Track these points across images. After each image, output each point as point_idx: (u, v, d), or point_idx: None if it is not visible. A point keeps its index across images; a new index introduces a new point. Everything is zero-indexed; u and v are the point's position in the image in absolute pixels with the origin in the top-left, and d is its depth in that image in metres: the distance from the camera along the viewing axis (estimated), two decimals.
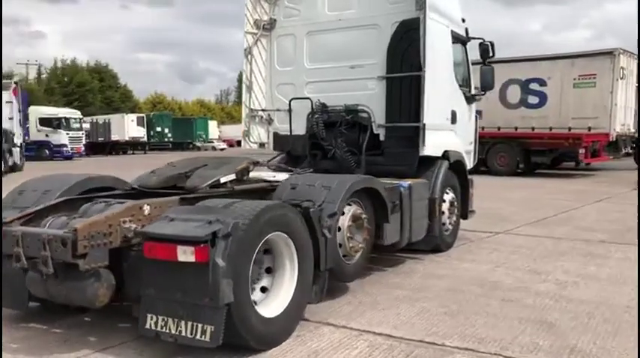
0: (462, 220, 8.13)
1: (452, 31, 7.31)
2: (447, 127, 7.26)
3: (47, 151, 35.87)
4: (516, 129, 20.75)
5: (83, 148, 38.72)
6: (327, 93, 7.20)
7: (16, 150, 23.01)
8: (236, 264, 3.61)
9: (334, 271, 4.95)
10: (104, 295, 3.78)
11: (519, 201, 13.08)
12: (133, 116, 51.86)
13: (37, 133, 35.82)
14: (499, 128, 20.69)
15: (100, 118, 48.81)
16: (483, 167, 20.39)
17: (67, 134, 36.74)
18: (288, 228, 4.14)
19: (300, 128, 7.36)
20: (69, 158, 36.28)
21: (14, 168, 21.84)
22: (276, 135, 7.74)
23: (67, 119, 37.46)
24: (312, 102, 7.18)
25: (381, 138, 6.96)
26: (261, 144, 7.89)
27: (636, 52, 19.86)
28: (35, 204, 4.40)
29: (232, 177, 4.86)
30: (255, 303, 4.05)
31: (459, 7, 7.76)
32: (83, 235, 3.61)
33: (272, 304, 4.15)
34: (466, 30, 7.89)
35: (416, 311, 4.84)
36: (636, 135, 21.85)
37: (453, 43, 7.45)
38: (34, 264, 3.76)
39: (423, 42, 6.42)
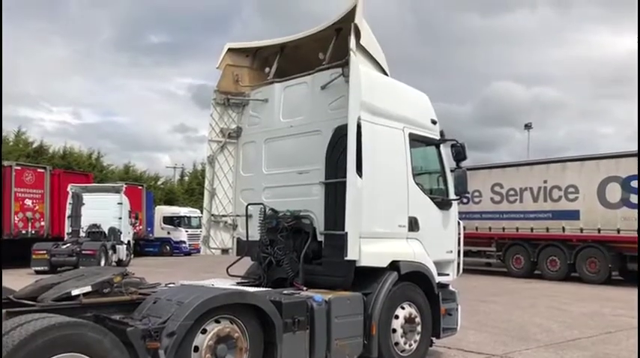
0: (453, 336, 7.39)
1: (411, 134, 6.92)
2: (401, 235, 6.69)
3: (168, 247, 38.45)
4: (619, 231, 18.67)
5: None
6: (280, 199, 7.05)
7: (122, 248, 24.98)
8: None
9: None
10: None
11: (578, 315, 11.43)
12: None
13: (160, 231, 38.75)
14: (582, 229, 18.93)
15: None
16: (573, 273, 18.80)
17: (187, 231, 39.16)
18: (88, 349, 3.96)
19: (258, 234, 7.19)
20: (187, 254, 38.34)
21: (120, 264, 23.57)
22: (239, 240, 7.63)
23: (187, 218, 40.11)
24: (264, 207, 7.04)
25: (323, 246, 6.56)
26: (224, 250, 7.78)
27: None
28: None
29: (87, 289, 4.79)
30: None
31: (428, 109, 7.37)
32: None
33: None
34: (441, 132, 7.42)
35: None
36: None
37: (416, 146, 7.04)
38: None
39: (350, 146, 6.09)
